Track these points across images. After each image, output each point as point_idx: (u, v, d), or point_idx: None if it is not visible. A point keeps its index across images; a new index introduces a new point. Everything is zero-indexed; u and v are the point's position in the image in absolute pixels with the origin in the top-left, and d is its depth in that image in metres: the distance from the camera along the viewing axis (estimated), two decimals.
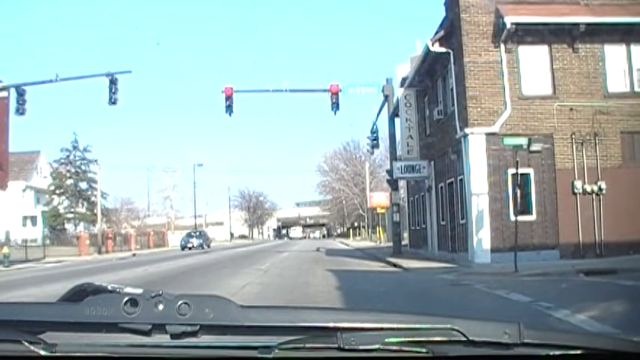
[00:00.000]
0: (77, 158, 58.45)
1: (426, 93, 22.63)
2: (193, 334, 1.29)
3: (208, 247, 47.11)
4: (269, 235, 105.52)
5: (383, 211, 44.83)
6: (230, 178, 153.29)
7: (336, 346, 1.28)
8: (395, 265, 18.56)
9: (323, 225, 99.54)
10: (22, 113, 23.19)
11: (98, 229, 46.24)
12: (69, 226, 58.07)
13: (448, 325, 1.28)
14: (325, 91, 25.85)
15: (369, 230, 58.27)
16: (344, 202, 72.00)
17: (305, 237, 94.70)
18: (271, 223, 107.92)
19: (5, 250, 27.52)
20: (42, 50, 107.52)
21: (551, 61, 16.50)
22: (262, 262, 21.62)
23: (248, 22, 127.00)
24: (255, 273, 15.99)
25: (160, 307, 1.26)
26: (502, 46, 16.36)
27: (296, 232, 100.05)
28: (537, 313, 7.42)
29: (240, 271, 16.75)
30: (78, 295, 1.41)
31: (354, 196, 67.52)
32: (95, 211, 49.62)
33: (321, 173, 74.50)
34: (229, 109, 25.35)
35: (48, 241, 44.04)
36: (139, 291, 1.32)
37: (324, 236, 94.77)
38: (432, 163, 21.76)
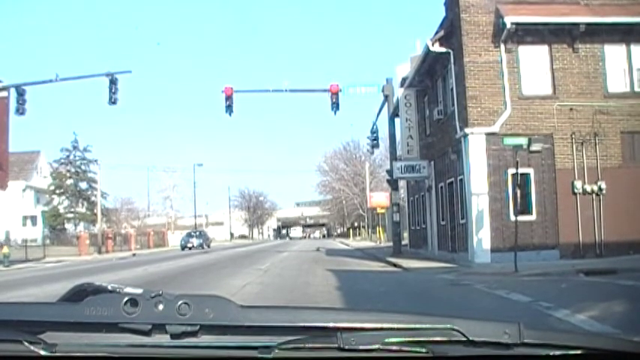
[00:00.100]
0: (77, 158, 58.49)
1: (426, 93, 22.63)
2: (193, 334, 1.29)
3: (208, 247, 47.09)
4: (269, 235, 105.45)
5: (383, 211, 44.82)
6: (230, 178, 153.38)
7: (336, 346, 1.28)
8: (395, 265, 18.56)
9: (323, 225, 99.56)
10: (22, 113, 23.21)
11: (98, 229, 46.23)
12: (69, 226, 58.08)
13: (448, 325, 1.28)
14: (325, 91, 25.86)
15: (369, 230, 58.26)
16: (344, 202, 71.99)
17: (305, 237, 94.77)
18: (271, 223, 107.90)
19: (5, 249, 27.49)
20: (42, 50, 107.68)
21: (551, 61, 16.51)
22: (262, 262, 21.61)
23: (248, 22, 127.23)
24: (255, 273, 15.99)
25: (160, 307, 1.26)
26: (502, 46, 16.37)
27: (296, 232, 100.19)
28: (537, 313, 7.42)
29: (240, 271, 16.75)
30: (78, 295, 1.41)
31: (354, 196, 67.51)
32: (95, 211, 49.63)
33: (321, 173, 74.62)
34: (229, 109, 25.37)
35: (48, 241, 43.96)
36: (139, 291, 1.32)
37: (324, 236, 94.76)
38: (432, 163, 21.75)
